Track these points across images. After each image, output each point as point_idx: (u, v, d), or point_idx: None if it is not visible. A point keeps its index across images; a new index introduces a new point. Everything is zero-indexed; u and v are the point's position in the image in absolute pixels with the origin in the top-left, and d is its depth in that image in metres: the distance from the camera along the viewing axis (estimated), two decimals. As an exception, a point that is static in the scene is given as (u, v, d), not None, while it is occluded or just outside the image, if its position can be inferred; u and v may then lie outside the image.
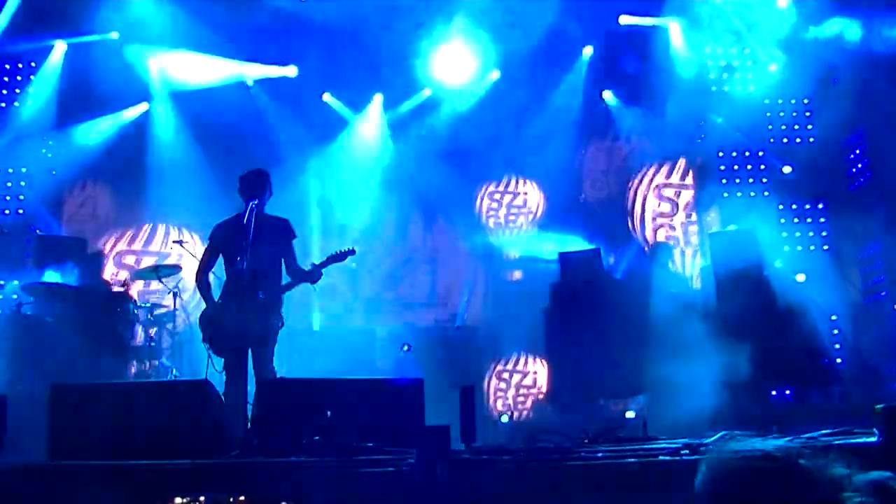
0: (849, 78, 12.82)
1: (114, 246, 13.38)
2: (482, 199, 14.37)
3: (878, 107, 12.24)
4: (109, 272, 12.53)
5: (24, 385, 8.36)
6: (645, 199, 14.03)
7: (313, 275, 7.48)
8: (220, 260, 7.68)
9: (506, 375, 13.25)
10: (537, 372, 13.02)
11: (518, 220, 14.33)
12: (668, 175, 14.11)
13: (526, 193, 14.37)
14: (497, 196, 14.42)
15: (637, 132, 13.98)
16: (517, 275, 13.86)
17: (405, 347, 11.33)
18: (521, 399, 13.09)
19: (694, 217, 13.84)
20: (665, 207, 14.00)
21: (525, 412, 12.75)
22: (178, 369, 10.32)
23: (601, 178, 14.25)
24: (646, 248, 13.49)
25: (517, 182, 14.41)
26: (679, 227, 13.89)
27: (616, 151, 14.32)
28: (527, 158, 13.91)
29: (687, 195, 13.99)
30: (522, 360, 13.27)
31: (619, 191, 14.10)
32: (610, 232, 13.39)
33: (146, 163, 13.17)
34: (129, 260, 13.31)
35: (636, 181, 14.09)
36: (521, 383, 13.22)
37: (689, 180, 14.05)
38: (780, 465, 2.40)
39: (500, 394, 13.20)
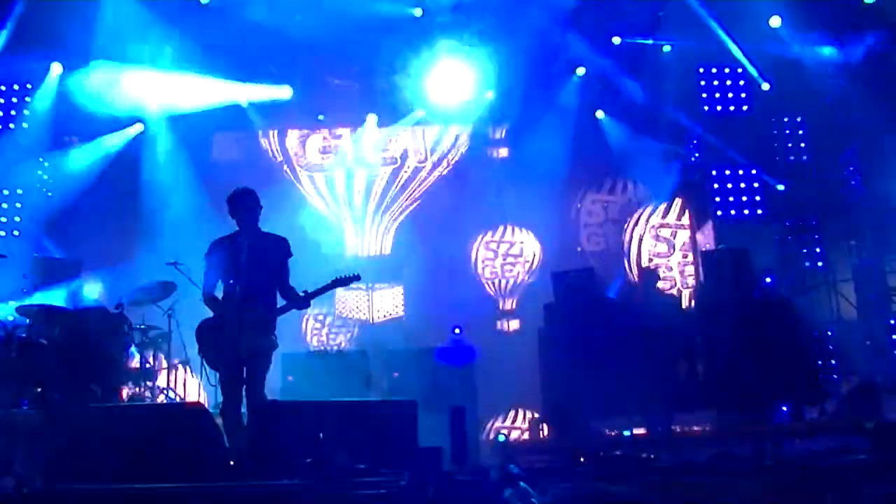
0: (841, 96, 12.95)
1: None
2: (478, 250, 14.19)
3: (870, 124, 12.34)
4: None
5: (18, 409, 8.33)
6: (641, 239, 14.13)
7: (302, 302, 7.39)
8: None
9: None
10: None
11: (515, 270, 14.13)
12: (665, 215, 14.21)
13: (522, 242, 14.17)
14: (493, 245, 14.23)
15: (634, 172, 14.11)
16: (514, 325, 13.86)
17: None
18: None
19: (690, 257, 13.90)
20: (661, 248, 14.11)
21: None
22: (173, 391, 10.31)
23: (598, 230, 14.32)
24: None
25: (513, 231, 14.26)
26: (676, 266, 13.99)
27: (612, 204, 14.38)
28: (523, 208, 13.72)
29: (683, 235, 14.09)
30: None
31: (616, 242, 14.20)
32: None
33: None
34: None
35: (632, 222, 14.20)
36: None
37: (686, 220, 14.15)
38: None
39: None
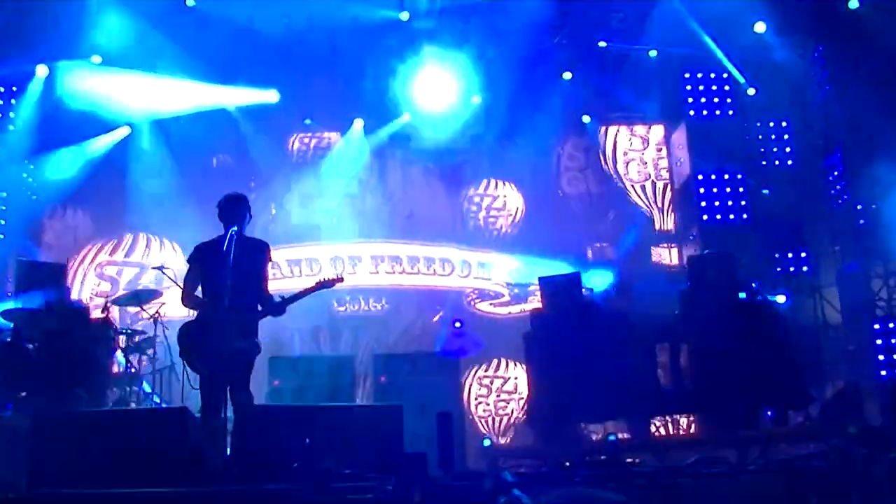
0: (826, 100, 13.02)
1: (94, 257, 13.37)
2: (463, 204, 14.52)
3: (855, 129, 12.40)
4: (89, 289, 12.58)
5: (3, 413, 8.30)
6: (616, 134, 14.93)
7: (278, 309, 7.34)
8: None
9: (486, 381, 13.36)
10: (518, 377, 13.11)
11: (498, 223, 14.56)
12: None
13: (506, 196, 14.57)
14: (477, 199, 14.61)
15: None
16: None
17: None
18: (501, 404, 13.21)
19: (664, 152, 14.80)
20: (637, 143, 14.94)
21: (506, 417, 12.84)
22: (159, 395, 10.26)
23: (578, 174, 14.79)
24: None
25: (496, 185, 14.58)
26: (650, 161, 14.86)
27: (592, 149, 14.91)
28: (505, 160, 14.10)
29: (658, 131, 14.97)
30: (504, 365, 13.38)
31: (597, 186, 14.68)
32: (587, 226, 14.19)
33: (127, 188, 13.22)
34: (111, 271, 13.35)
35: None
36: (502, 388, 13.37)
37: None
38: None
39: (480, 399, 13.34)
